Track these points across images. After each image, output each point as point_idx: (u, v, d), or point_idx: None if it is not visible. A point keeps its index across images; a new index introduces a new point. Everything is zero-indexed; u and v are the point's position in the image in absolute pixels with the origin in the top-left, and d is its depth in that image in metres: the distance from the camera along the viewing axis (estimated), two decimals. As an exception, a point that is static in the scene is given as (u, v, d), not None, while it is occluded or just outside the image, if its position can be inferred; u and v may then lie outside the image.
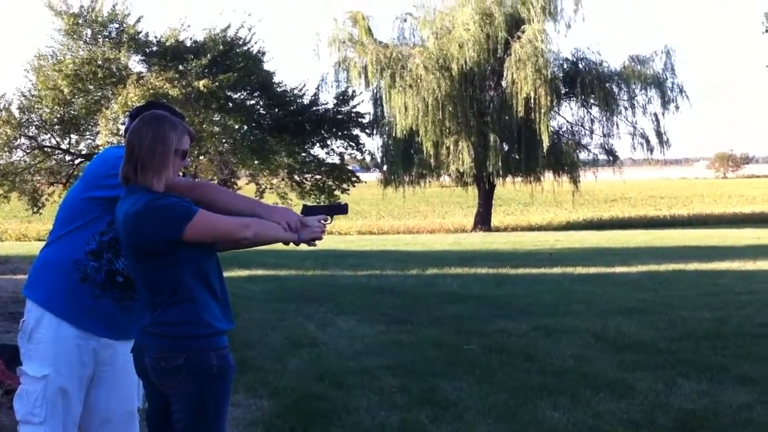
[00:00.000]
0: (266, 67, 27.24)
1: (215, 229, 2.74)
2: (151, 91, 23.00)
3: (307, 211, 3.04)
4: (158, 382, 2.81)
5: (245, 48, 26.20)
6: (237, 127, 25.44)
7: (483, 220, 30.86)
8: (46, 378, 3.05)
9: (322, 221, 2.96)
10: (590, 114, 31.30)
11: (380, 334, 7.43)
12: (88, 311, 3.09)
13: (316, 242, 2.97)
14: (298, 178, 27.95)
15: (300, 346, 6.82)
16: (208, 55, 24.22)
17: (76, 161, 26.69)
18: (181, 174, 2.94)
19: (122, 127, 24.35)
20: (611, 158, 32.04)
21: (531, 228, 31.61)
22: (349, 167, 29.83)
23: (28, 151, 25.89)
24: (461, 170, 28.79)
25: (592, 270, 12.84)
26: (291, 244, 2.95)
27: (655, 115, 30.75)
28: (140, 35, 24.83)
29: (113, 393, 3.24)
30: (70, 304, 3.08)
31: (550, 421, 4.72)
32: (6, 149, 24.91)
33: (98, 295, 3.09)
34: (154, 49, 25.02)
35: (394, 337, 7.24)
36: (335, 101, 28.65)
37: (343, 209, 3.19)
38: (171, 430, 2.82)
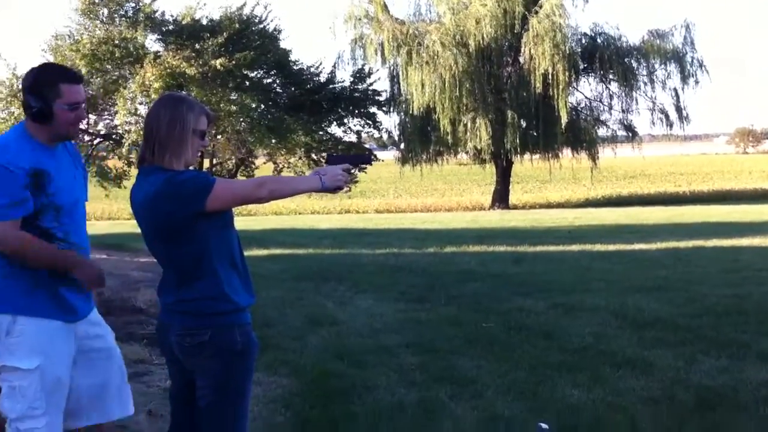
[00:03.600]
0: (282, 45, 27.25)
1: (234, 194, 2.77)
2: (168, 71, 23.03)
3: (332, 159, 3.02)
4: (183, 359, 2.84)
5: (261, 26, 26.15)
6: (254, 105, 25.44)
7: (501, 198, 30.78)
8: (39, 368, 2.96)
9: (345, 171, 2.89)
10: (609, 89, 31.14)
11: (399, 312, 7.45)
12: (47, 297, 3.02)
13: (339, 191, 2.90)
14: (315, 157, 27.97)
15: (319, 325, 6.85)
16: (225, 33, 24.19)
17: (95, 141, 26.81)
18: (200, 154, 2.95)
19: (140, 107, 24.45)
20: (630, 134, 31.86)
21: (549, 205, 31.50)
22: (366, 145, 29.78)
23: (47, 131, 25.99)
24: (479, 147, 28.69)
25: (611, 247, 12.77)
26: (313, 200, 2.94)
27: (675, 90, 30.54)
28: (156, 14, 24.83)
29: (98, 364, 3.18)
30: (29, 298, 2.99)
31: (570, 399, 4.72)
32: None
33: (43, 275, 3.01)
34: (171, 28, 25.02)
35: (413, 315, 7.26)
36: (352, 79, 28.61)
37: (367, 159, 3.25)
38: (194, 406, 2.86)
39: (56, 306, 3.03)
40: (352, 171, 3.00)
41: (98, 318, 3.27)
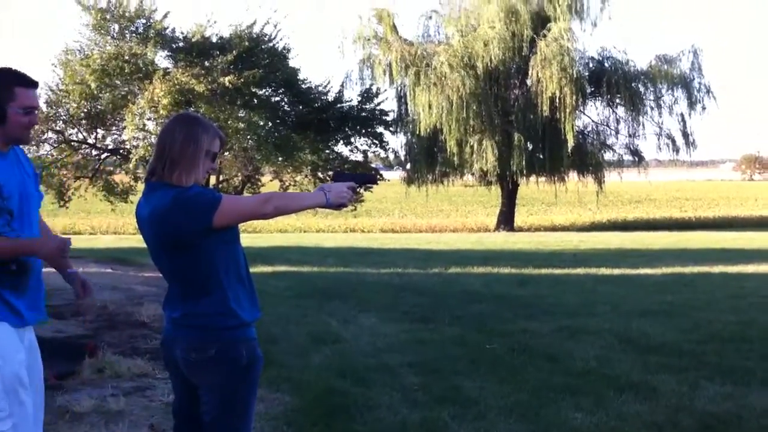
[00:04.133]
0: (291, 63, 27.37)
1: (241, 210, 2.79)
2: (177, 87, 23.16)
3: (338, 177, 3.03)
4: (188, 373, 2.85)
5: (270, 44, 26.30)
6: (261, 123, 25.54)
7: (506, 220, 30.75)
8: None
9: (350, 189, 2.91)
10: (616, 114, 31.14)
11: (402, 332, 7.44)
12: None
13: (343, 209, 2.94)
14: (321, 176, 28.03)
15: (322, 343, 6.85)
16: (234, 51, 24.33)
17: (103, 156, 26.94)
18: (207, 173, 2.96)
19: (149, 123, 24.58)
20: (636, 159, 31.81)
21: (554, 228, 31.47)
22: (373, 165, 29.85)
23: (55, 145, 26.16)
24: (485, 169, 28.70)
25: (616, 271, 12.75)
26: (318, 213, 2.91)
27: (682, 115, 30.53)
28: (167, 31, 25.00)
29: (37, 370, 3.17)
30: None
31: (573, 422, 4.70)
32: (33, 143, 25.17)
33: None
34: (181, 44, 25.18)
35: (416, 335, 7.25)
36: (359, 99, 28.71)
37: (372, 179, 3.23)
38: (197, 421, 2.86)
39: (4, 309, 3.00)
40: (358, 190, 3.01)
41: (37, 348, 3.21)
